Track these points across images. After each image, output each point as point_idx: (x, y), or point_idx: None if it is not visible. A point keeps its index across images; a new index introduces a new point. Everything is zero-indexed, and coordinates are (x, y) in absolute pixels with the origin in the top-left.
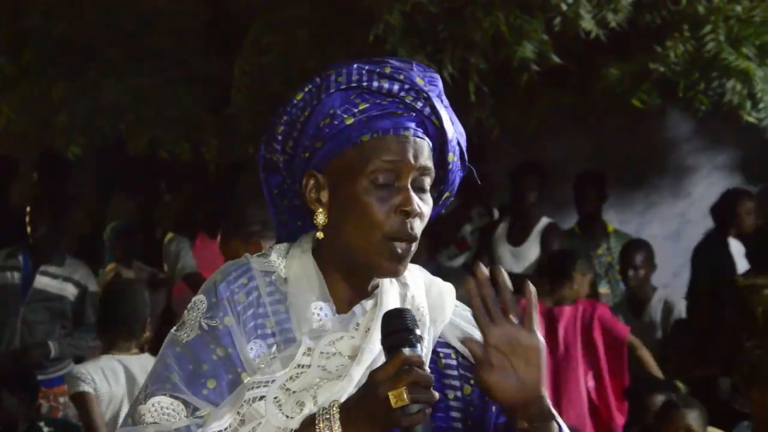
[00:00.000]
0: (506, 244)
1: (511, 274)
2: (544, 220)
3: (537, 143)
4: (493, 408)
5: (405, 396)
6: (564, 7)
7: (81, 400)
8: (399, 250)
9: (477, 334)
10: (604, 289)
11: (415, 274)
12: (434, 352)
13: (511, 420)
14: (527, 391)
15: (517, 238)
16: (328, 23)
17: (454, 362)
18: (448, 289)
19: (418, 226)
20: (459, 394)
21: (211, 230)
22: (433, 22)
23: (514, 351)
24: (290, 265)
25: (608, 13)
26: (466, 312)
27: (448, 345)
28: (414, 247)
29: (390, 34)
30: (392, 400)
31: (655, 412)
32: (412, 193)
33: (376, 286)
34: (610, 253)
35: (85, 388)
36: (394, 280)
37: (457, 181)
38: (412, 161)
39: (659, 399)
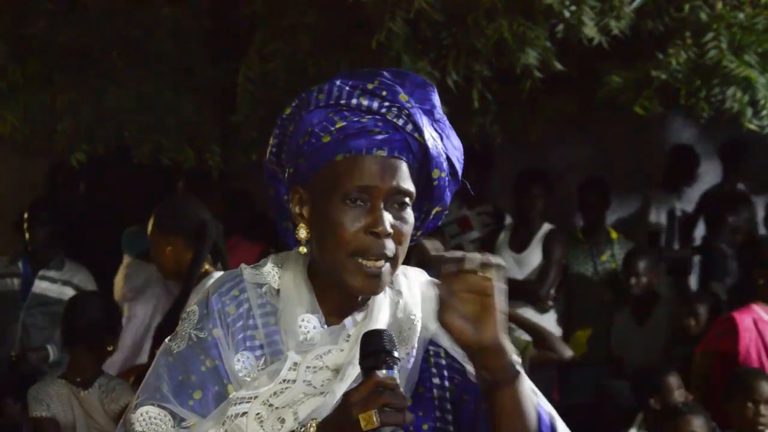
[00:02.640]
0: (509, 251)
1: (513, 281)
2: (546, 227)
3: (540, 150)
4: (472, 407)
5: (374, 419)
6: (567, 14)
7: (38, 425)
8: (370, 270)
9: None
10: (608, 296)
11: (411, 279)
12: (426, 350)
13: (476, 371)
14: (483, 336)
15: (519, 245)
16: (331, 30)
17: (444, 362)
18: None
19: (393, 246)
20: (447, 394)
21: (248, 232)
22: (437, 29)
23: (472, 298)
24: (284, 276)
25: (611, 21)
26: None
27: (438, 345)
28: (389, 265)
29: (393, 41)
30: (362, 423)
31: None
32: (384, 214)
33: (368, 297)
34: (614, 260)
35: (42, 413)
36: (387, 289)
37: (449, 195)
38: (383, 183)
39: (673, 379)
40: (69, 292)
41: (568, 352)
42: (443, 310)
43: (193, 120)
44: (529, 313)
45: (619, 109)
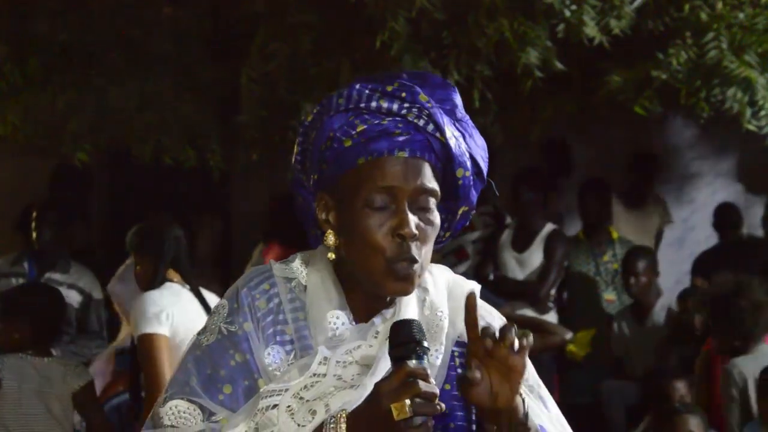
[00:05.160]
0: (511, 251)
1: (515, 281)
2: (549, 227)
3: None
4: None
5: (407, 409)
6: (568, 13)
7: None
8: (401, 272)
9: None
10: (610, 296)
11: (436, 276)
12: (452, 352)
13: (480, 419)
14: (497, 402)
15: (521, 245)
16: (332, 30)
17: None
18: (472, 289)
19: (419, 248)
20: None
21: (286, 239)
22: (438, 29)
23: (497, 367)
24: (311, 273)
25: (611, 20)
26: (491, 314)
27: (465, 345)
28: (418, 266)
29: (395, 40)
30: (395, 413)
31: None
32: (409, 216)
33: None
34: (616, 259)
35: None
36: None
37: (474, 194)
38: (407, 184)
39: (680, 385)
40: (74, 296)
41: (567, 333)
42: (466, 386)
43: (194, 120)
44: (529, 313)
45: (619, 109)
